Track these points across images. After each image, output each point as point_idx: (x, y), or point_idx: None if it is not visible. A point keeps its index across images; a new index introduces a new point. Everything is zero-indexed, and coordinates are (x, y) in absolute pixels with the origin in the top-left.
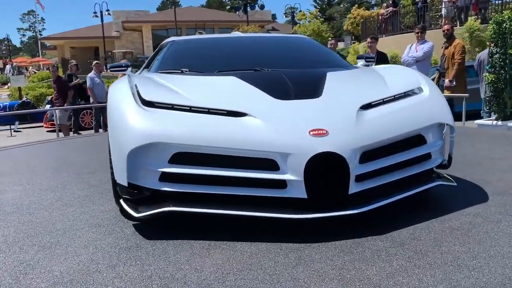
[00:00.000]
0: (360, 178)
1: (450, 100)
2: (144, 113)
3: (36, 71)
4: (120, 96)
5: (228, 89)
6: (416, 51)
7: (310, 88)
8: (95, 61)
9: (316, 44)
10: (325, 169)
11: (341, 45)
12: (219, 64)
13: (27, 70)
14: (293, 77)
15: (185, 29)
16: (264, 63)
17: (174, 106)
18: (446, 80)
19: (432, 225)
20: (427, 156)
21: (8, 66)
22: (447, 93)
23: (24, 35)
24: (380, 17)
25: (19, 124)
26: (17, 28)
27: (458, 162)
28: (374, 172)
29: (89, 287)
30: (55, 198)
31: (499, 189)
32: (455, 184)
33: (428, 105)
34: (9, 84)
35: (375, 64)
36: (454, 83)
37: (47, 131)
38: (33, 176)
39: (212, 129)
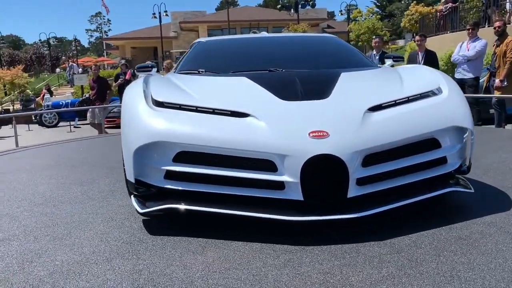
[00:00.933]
0: (362, 182)
1: (501, 102)
2: (151, 112)
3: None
4: (131, 96)
5: (235, 90)
6: (468, 50)
7: (320, 89)
8: (168, 61)
9: (341, 43)
10: (323, 171)
11: (401, 42)
12: (235, 65)
13: (91, 69)
14: (305, 77)
15: (239, 28)
16: (282, 64)
17: (182, 106)
18: (497, 80)
19: (439, 232)
20: (443, 161)
21: (74, 66)
22: (497, 93)
23: (91, 35)
24: (438, 13)
25: (78, 120)
26: (86, 29)
27: (491, 168)
28: (379, 175)
29: (82, 277)
30: (81, 192)
31: None
32: (472, 190)
33: (444, 107)
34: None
35: (424, 63)
36: (506, 83)
37: (105, 127)
38: (69, 170)
39: (215, 129)
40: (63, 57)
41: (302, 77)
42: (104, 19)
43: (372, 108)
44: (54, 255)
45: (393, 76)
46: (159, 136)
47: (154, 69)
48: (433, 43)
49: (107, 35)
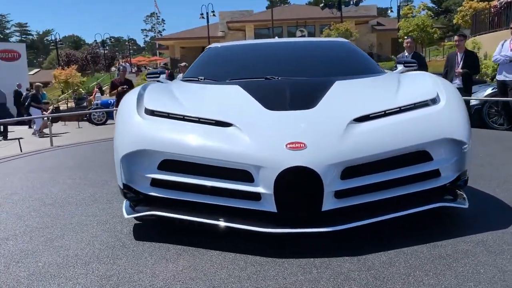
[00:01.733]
0: (340, 195)
1: None
2: (139, 121)
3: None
4: (125, 104)
5: (225, 99)
6: (510, 50)
7: (308, 98)
8: (184, 63)
9: (351, 49)
10: (297, 184)
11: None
12: (235, 72)
13: (145, 68)
14: (297, 86)
15: (286, 27)
16: (282, 71)
17: (170, 115)
18: None
19: (421, 250)
20: (435, 174)
21: (126, 65)
22: None
23: (146, 35)
24: (493, 10)
25: None
26: (141, 29)
27: (505, 181)
28: (361, 188)
29: (56, 280)
30: (91, 194)
31: None
32: (466, 206)
33: (437, 118)
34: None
35: (463, 65)
36: None
37: None
38: (87, 171)
39: (197, 139)
40: (119, 57)
41: (294, 86)
42: (158, 19)
43: (358, 119)
44: (40, 256)
45: (390, 84)
46: (144, 144)
47: (163, 75)
48: (486, 40)
49: (161, 34)
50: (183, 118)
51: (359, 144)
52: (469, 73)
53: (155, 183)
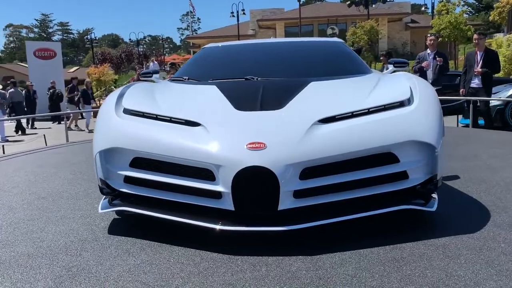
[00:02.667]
0: (299, 195)
1: None
2: (115, 119)
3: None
4: (106, 103)
5: (198, 99)
6: None
7: (279, 99)
8: None
9: (342, 50)
10: (255, 183)
11: (501, 36)
12: (218, 72)
13: (179, 66)
14: (272, 87)
15: (317, 25)
16: (266, 71)
17: (145, 114)
18: None
19: (377, 251)
20: (402, 176)
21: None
22: None
23: (182, 34)
24: None
25: None
26: (177, 28)
27: (501, 184)
28: (322, 189)
29: (20, 270)
30: (85, 188)
31: (509, 221)
32: (433, 209)
33: (405, 120)
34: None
35: (482, 64)
36: None
37: None
38: (91, 167)
39: (165, 138)
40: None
41: (269, 87)
42: (194, 18)
43: (323, 120)
44: (16, 246)
45: (366, 85)
46: (116, 142)
47: (156, 75)
48: None
49: (196, 33)
50: (156, 118)
51: (319, 145)
52: (489, 72)
53: (128, 180)
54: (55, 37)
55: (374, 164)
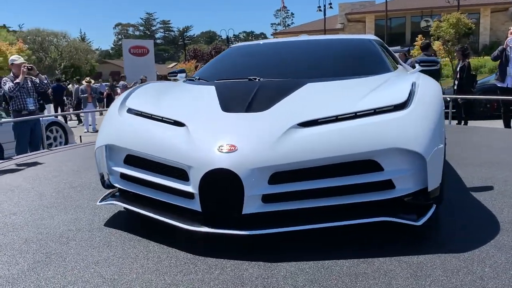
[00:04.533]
0: (269, 199)
1: None
2: (115, 117)
3: None
4: (114, 101)
5: (193, 99)
6: None
7: (268, 101)
8: None
9: (366, 48)
10: (220, 185)
11: None
12: (228, 73)
13: None
14: (268, 88)
15: (410, 17)
16: (275, 72)
17: (143, 114)
18: None
19: (342, 264)
20: (388, 185)
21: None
22: None
23: (276, 29)
24: None
25: None
26: (270, 24)
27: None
28: (294, 194)
29: (9, 253)
30: (89, 181)
31: (499, 241)
32: (418, 223)
33: (393, 126)
34: None
35: None
36: None
37: None
38: None
39: (152, 137)
40: None
41: (264, 88)
42: (287, 13)
43: (304, 123)
44: (20, 231)
45: (368, 87)
46: (112, 140)
47: (181, 74)
48: None
49: (289, 27)
50: (151, 117)
51: (292, 149)
52: None
53: (123, 176)
54: (158, 35)
55: (355, 171)
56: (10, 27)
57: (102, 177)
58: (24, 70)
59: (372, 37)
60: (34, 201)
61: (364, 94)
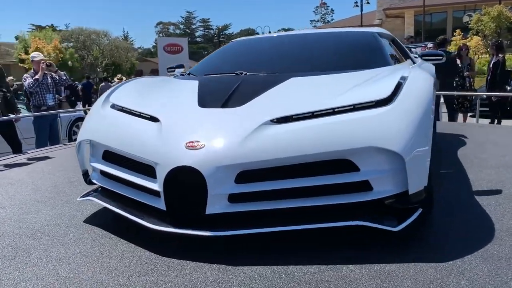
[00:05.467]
0: (236, 199)
1: None
2: (96, 113)
3: None
4: (100, 97)
5: (173, 94)
6: None
7: (246, 96)
8: None
9: (366, 42)
10: (184, 183)
11: None
12: (218, 67)
13: None
14: (250, 82)
15: (451, 12)
16: (266, 66)
17: (123, 108)
18: None
19: (305, 270)
20: (364, 186)
21: None
22: None
23: (315, 26)
24: None
25: None
26: (310, 20)
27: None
28: (263, 194)
29: None
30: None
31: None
32: (395, 229)
33: (370, 123)
34: None
35: None
36: None
37: None
38: None
39: (126, 132)
40: None
41: (247, 82)
42: (327, 9)
43: (278, 119)
44: (2, 225)
45: (354, 81)
46: (88, 135)
47: (179, 70)
48: None
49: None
50: (130, 112)
51: (261, 146)
52: None
53: (102, 173)
54: (197, 33)
55: (329, 171)
56: (57, 27)
57: (84, 173)
58: (43, 66)
59: (379, 30)
60: (28, 195)
61: (347, 89)
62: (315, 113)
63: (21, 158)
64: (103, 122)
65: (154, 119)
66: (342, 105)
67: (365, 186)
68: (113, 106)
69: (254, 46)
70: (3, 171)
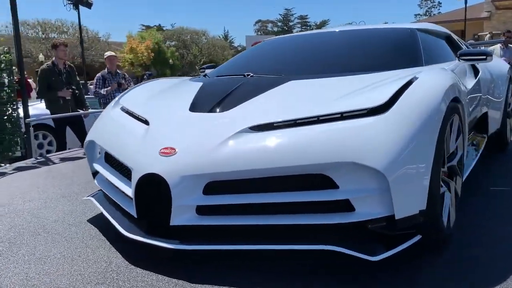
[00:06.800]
0: (204, 211)
1: None
2: (104, 114)
3: None
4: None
5: (173, 97)
6: None
7: (236, 100)
8: None
9: (398, 40)
10: (153, 192)
11: None
12: (232, 69)
13: None
14: (247, 85)
15: None
16: (275, 68)
17: (128, 111)
18: None
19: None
20: (345, 206)
21: None
22: None
23: (418, 20)
24: None
25: None
26: (414, 14)
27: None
28: (235, 208)
29: None
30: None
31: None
32: (373, 258)
33: (354, 135)
34: None
35: None
36: None
37: None
38: None
39: (119, 135)
40: None
41: (244, 85)
42: (433, 2)
43: (257, 127)
44: (9, 219)
45: (354, 85)
46: (93, 136)
47: (209, 70)
48: None
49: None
50: (131, 114)
51: (234, 156)
52: None
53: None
54: (295, 30)
55: (305, 187)
56: (163, 26)
57: (93, 173)
58: (114, 86)
59: (427, 25)
60: (60, 189)
61: (344, 94)
62: (297, 121)
63: (80, 153)
64: (106, 124)
65: (146, 122)
66: (329, 112)
67: (346, 206)
68: (122, 108)
69: (277, 46)
70: (56, 164)
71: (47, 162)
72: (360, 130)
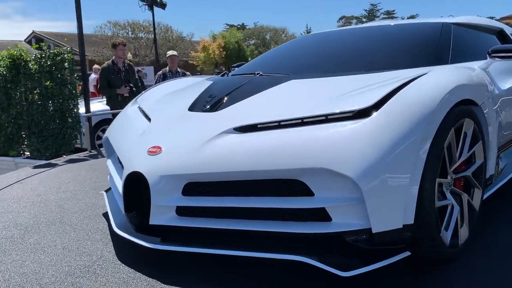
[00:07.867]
0: (184, 212)
1: None
2: (122, 113)
3: None
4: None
5: (182, 96)
6: None
7: (233, 99)
8: None
9: (424, 36)
10: (138, 190)
11: None
12: (252, 67)
13: None
14: (249, 84)
15: None
16: (284, 67)
17: (140, 107)
18: None
19: None
20: (321, 216)
21: None
22: None
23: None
24: None
25: None
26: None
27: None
28: (212, 210)
29: None
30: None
31: None
32: (344, 274)
33: (332, 139)
34: None
35: None
36: None
37: None
38: None
39: (123, 131)
40: None
41: (247, 84)
42: None
43: (241, 128)
44: (20, 217)
45: (354, 85)
46: (107, 133)
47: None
48: None
49: None
50: (143, 112)
51: (212, 157)
52: None
53: None
54: None
55: (282, 192)
56: (246, 25)
57: None
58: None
59: (469, 19)
60: (93, 182)
61: (339, 95)
62: (281, 123)
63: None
64: (119, 122)
65: (149, 119)
66: (314, 114)
67: (322, 215)
68: (138, 107)
69: (304, 43)
70: (98, 159)
71: (97, 155)
72: (338, 135)
